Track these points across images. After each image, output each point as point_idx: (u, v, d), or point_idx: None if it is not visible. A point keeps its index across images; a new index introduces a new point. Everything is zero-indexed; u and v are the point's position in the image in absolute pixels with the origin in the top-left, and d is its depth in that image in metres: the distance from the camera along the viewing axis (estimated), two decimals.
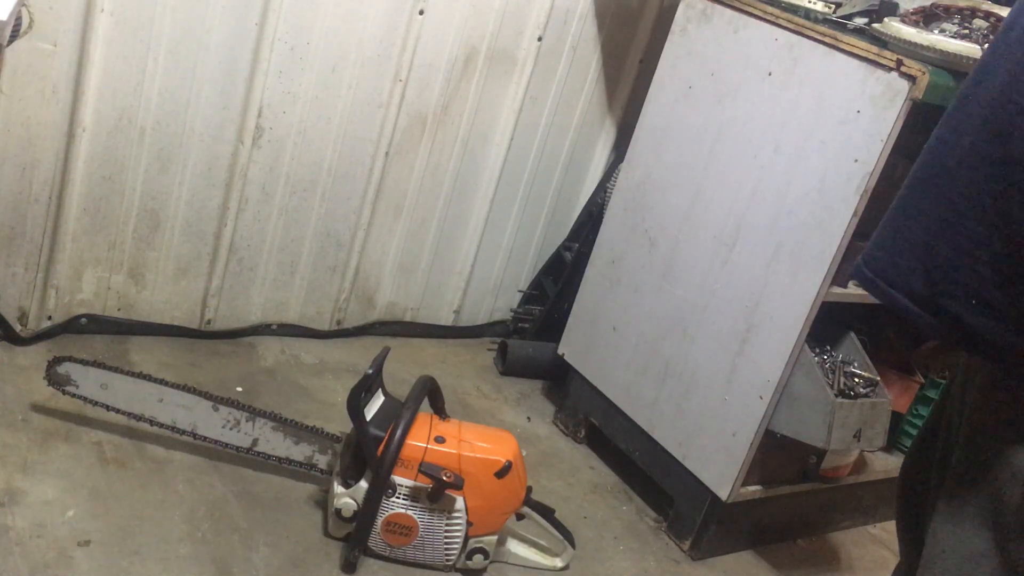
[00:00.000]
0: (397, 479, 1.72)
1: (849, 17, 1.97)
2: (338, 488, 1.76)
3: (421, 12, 2.25)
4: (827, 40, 1.83)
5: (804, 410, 1.92)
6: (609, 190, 2.56)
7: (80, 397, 1.83)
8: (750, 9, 1.98)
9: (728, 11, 2.03)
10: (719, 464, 2.02)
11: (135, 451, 1.89)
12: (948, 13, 1.88)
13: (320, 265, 2.46)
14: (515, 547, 1.91)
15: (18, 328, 2.09)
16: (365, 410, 1.74)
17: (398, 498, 1.73)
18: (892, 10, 1.98)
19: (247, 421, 1.84)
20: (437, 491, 1.71)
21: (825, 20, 1.93)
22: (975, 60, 1.69)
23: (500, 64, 2.45)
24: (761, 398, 1.94)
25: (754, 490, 2.08)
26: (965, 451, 1.09)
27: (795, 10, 1.94)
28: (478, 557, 1.81)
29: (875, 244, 1.10)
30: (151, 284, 2.24)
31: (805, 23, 1.88)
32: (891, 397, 2.06)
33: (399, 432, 1.71)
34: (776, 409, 1.95)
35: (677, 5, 2.16)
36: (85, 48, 1.90)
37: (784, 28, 1.91)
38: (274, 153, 2.22)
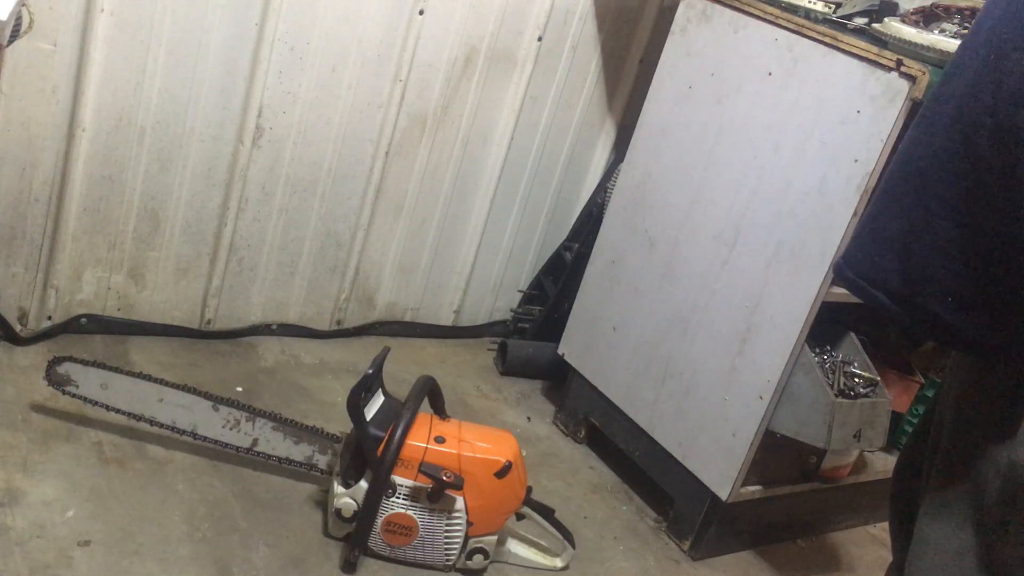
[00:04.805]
0: (397, 479, 1.72)
1: (849, 17, 1.97)
2: (338, 488, 1.76)
3: (421, 12, 2.25)
4: (827, 40, 1.83)
5: (804, 410, 1.92)
6: (609, 190, 2.56)
7: (80, 397, 1.83)
8: (750, 9, 1.98)
9: (728, 11, 2.03)
10: (719, 464, 2.02)
11: (135, 451, 1.89)
12: (948, 13, 1.88)
13: (320, 265, 2.46)
14: (515, 547, 1.91)
15: (18, 328, 2.09)
16: (365, 410, 1.74)
17: (398, 498, 1.73)
18: (892, 10, 1.98)
19: (247, 421, 1.84)
20: (437, 491, 1.71)
21: (825, 20, 1.93)
22: None
23: (500, 64, 2.45)
24: (761, 398, 1.94)
25: (754, 490, 2.08)
26: (949, 447, 1.10)
27: (795, 10, 1.94)
28: (478, 557, 1.81)
29: (854, 243, 1.11)
30: (151, 284, 2.24)
31: (805, 23, 1.88)
32: (891, 397, 2.06)
33: (399, 432, 1.71)
34: (776, 409, 1.95)
35: (677, 5, 2.16)
36: (85, 48, 1.90)
37: (784, 28, 1.91)
38: (274, 153, 2.22)
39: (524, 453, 1.89)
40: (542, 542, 1.93)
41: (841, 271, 1.11)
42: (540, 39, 2.46)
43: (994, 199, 0.93)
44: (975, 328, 0.99)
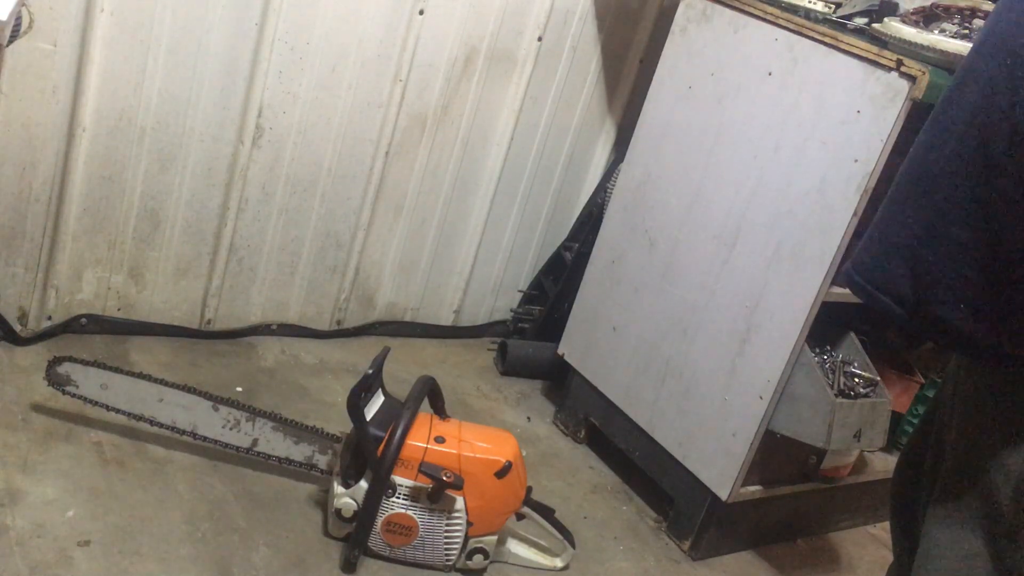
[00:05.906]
0: (397, 479, 1.72)
1: (849, 17, 1.97)
2: (338, 488, 1.76)
3: (421, 12, 2.25)
4: (827, 40, 1.83)
5: (804, 410, 1.92)
6: (609, 190, 2.56)
7: (80, 397, 1.83)
8: (750, 9, 1.98)
9: (728, 11, 2.03)
10: (719, 464, 2.02)
11: (135, 451, 1.89)
12: (948, 13, 1.88)
13: (320, 265, 2.46)
14: (515, 547, 1.91)
15: (18, 328, 2.09)
16: (365, 410, 1.74)
17: (398, 498, 1.73)
18: (892, 10, 1.98)
19: (247, 421, 1.84)
20: (437, 491, 1.71)
21: (825, 20, 1.93)
22: None
23: (500, 64, 2.45)
24: (761, 398, 1.94)
25: (754, 490, 2.08)
26: (957, 452, 1.10)
27: (795, 10, 1.94)
28: (478, 557, 1.81)
29: (863, 249, 1.10)
30: (151, 284, 2.24)
31: (805, 23, 1.88)
32: (891, 397, 2.06)
33: (399, 432, 1.71)
34: (776, 409, 1.95)
35: (677, 5, 2.16)
36: (85, 48, 1.90)
37: (784, 28, 1.91)
38: (274, 153, 2.22)
39: (524, 453, 1.89)
40: (542, 542, 1.93)
41: (850, 277, 1.10)
42: (540, 39, 2.46)
43: (1010, 204, 0.93)
44: (988, 335, 0.98)
